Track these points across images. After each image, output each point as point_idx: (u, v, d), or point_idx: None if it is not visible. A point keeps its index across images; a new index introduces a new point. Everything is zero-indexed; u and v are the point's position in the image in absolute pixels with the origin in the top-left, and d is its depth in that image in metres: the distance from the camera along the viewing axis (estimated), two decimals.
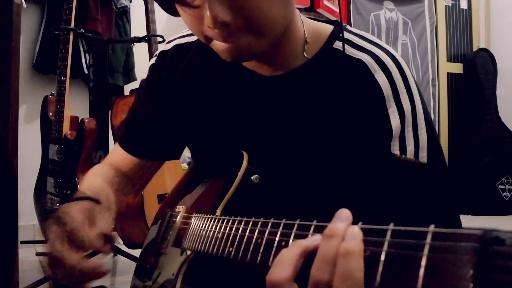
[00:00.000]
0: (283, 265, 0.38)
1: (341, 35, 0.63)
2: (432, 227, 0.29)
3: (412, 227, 0.31)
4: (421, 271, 0.28)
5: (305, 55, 0.64)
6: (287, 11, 0.57)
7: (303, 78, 0.64)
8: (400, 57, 0.63)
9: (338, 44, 0.63)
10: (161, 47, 0.78)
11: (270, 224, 0.46)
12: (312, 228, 0.41)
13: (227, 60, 0.58)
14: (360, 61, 0.61)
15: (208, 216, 0.66)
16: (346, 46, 0.63)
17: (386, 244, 0.32)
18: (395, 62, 0.61)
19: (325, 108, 0.63)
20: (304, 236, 0.40)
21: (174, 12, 0.56)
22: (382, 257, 0.32)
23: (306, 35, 0.64)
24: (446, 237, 0.28)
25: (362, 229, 0.35)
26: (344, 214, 0.37)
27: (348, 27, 0.67)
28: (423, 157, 0.61)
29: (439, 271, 0.27)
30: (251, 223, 0.51)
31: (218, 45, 0.56)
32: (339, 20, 0.65)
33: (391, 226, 0.32)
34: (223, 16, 0.50)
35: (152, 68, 0.77)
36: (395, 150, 0.59)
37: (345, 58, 0.62)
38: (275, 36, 0.57)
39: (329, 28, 0.66)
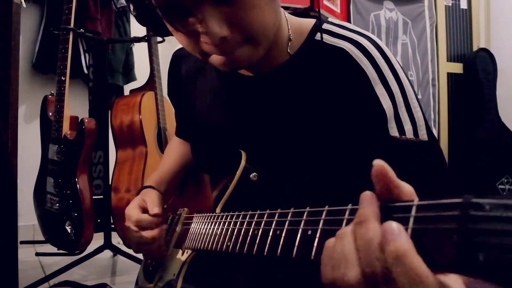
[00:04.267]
0: (348, 262, 0.32)
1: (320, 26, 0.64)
2: (416, 200, 0.30)
3: (398, 202, 0.32)
4: None
5: (289, 51, 0.65)
6: (276, 15, 0.58)
7: (287, 74, 0.65)
8: (381, 42, 0.63)
9: (319, 36, 0.64)
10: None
11: (265, 215, 0.48)
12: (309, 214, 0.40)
13: (225, 71, 0.59)
14: (341, 50, 0.61)
15: (207, 214, 0.67)
16: (327, 36, 0.63)
17: None
18: (376, 46, 0.61)
19: (314, 100, 0.63)
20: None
21: (166, 33, 0.58)
22: None
23: (290, 32, 0.65)
24: (430, 208, 0.29)
25: (351, 208, 0.37)
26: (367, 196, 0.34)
27: (329, 18, 0.67)
28: (423, 135, 0.60)
29: (425, 241, 0.28)
30: (248, 215, 0.53)
31: (216, 59, 0.57)
32: (318, 12, 0.66)
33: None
34: (220, 31, 0.51)
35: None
36: (394, 132, 0.58)
37: (326, 48, 0.62)
38: (269, 42, 0.58)
39: (311, 22, 0.67)
